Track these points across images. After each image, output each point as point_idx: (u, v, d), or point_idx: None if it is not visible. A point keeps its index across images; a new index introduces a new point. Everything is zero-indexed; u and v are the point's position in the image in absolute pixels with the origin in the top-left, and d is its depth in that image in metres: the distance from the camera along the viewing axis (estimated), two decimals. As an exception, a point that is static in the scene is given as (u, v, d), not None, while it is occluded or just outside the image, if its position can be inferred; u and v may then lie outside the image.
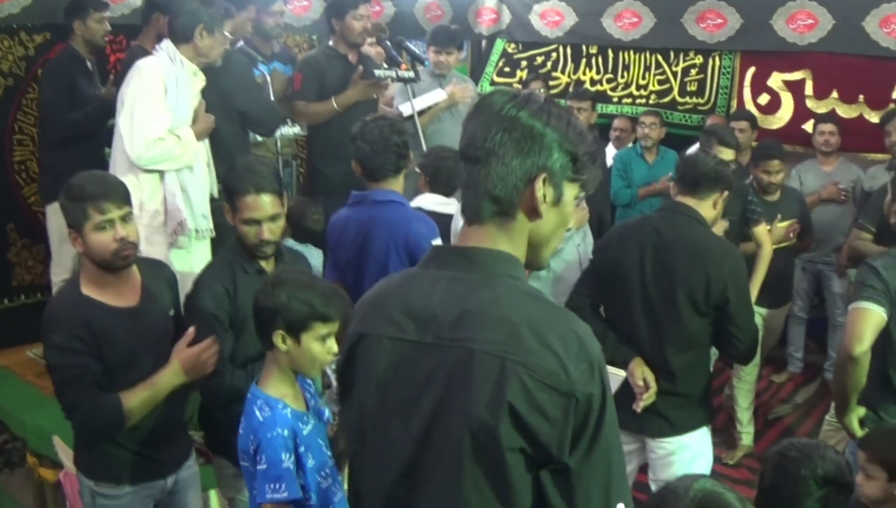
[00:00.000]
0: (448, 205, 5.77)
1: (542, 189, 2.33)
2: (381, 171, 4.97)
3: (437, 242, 4.81)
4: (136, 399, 3.92)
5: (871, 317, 4.38)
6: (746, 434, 7.24)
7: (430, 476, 2.34)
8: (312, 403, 3.79)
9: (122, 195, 3.98)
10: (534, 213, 2.36)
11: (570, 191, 2.42)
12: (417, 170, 6.07)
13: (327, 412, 3.85)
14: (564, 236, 5.41)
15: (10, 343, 7.22)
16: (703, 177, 4.74)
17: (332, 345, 3.58)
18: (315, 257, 6.22)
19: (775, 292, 7.07)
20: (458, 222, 5.21)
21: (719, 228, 5.80)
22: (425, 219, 5.02)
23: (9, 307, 7.60)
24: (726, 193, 4.84)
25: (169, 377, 4.01)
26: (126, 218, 3.94)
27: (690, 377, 4.73)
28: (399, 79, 7.26)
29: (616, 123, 9.86)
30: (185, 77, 5.79)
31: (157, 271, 4.37)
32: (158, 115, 5.62)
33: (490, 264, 2.36)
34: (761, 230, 6.67)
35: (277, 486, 3.43)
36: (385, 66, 7.49)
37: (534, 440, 2.19)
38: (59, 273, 7.22)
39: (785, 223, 7.01)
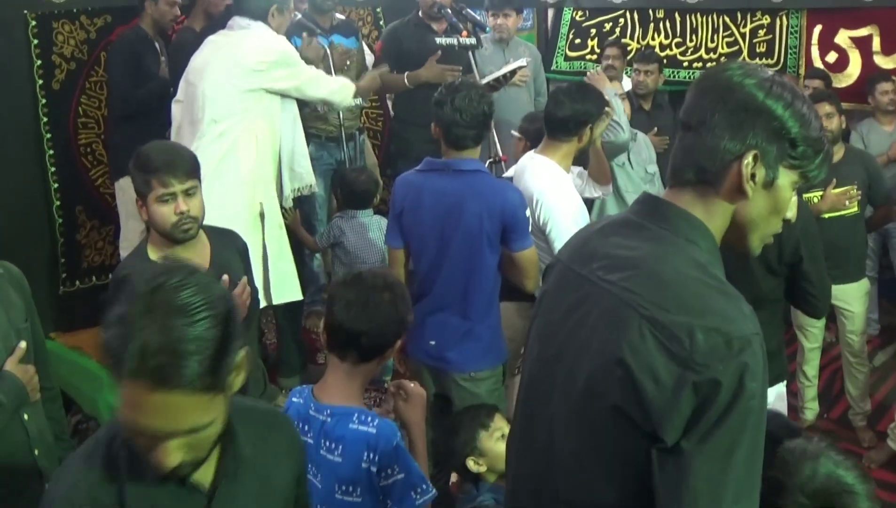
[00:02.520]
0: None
1: (750, 167, 2.22)
2: (464, 140, 4.85)
3: (528, 212, 4.79)
4: None
5: None
6: (810, 410, 6.89)
7: (549, 404, 2.36)
8: None
9: (187, 169, 4.01)
10: (738, 191, 2.25)
11: (787, 177, 2.28)
12: (516, 134, 6.17)
13: None
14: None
15: (82, 324, 7.27)
16: None
17: None
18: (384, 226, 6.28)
19: (842, 265, 6.46)
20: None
21: None
22: (515, 188, 4.95)
23: (80, 289, 7.67)
24: None
25: None
26: (190, 192, 3.98)
27: (766, 334, 4.61)
28: (461, 46, 7.26)
29: None
30: None
31: (228, 241, 4.41)
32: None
33: (676, 222, 2.28)
34: None
35: (424, 487, 3.33)
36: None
37: (637, 399, 2.07)
38: (126, 247, 7.25)
39: (839, 190, 6.38)
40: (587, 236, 2.50)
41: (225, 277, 3.97)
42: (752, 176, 2.22)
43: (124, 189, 7.20)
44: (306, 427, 3.37)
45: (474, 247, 4.80)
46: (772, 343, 4.70)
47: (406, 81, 7.32)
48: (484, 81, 7.32)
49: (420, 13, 7.66)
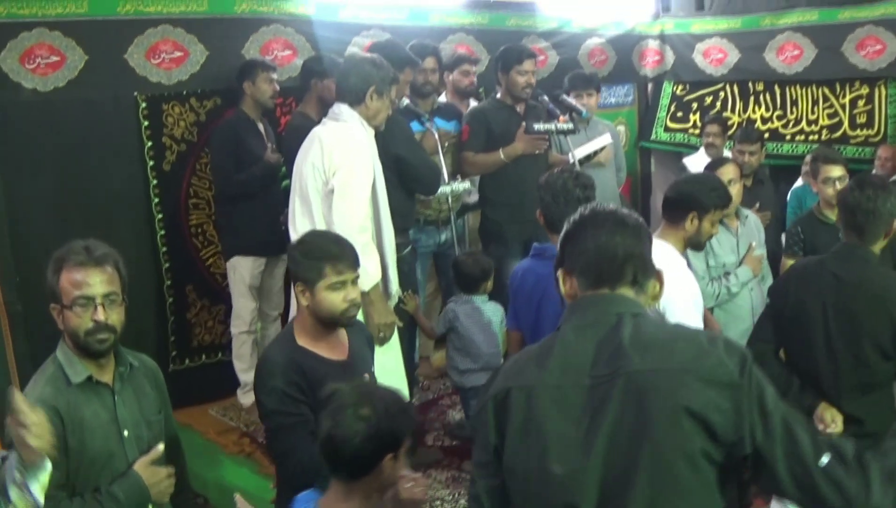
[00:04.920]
0: None
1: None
2: (562, 222, 4.84)
3: None
4: None
5: None
6: None
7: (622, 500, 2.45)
8: None
9: (354, 259, 4.18)
10: (656, 299, 2.81)
11: None
12: None
13: None
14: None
15: (192, 402, 7.36)
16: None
17: None
18: (497, 312, 6.42)
19: None
20: None
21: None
22: None
23: (190, 367, 7.75)
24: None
25: None
26: (355, 281, 4.15)
27: (878, 416, 4.60)
28: (558, 132, 7.35)
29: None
30: (373, 144, 5.80)
31: (359, 331, 4.53)
32: (366, 200, 5.62)
33: (621, 305, 2.66)
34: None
35: None
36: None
37: (713, 435, 2.39)
38: (238, 325, 7.48)
39: None
40: (537, 354, 2.72)
41: (366, 376, 4.22)
42: None
43: (236, 268, 7.40)
44: None
45: None
46: (889, 424, 4.69)
47: (502, 155, 7.34)
48: (575, 159, 7.40)
49: (499, 95, 7.73)
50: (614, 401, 2.45)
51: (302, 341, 4.15)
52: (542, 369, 2.62)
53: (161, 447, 3.79)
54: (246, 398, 7.55)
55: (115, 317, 3.65)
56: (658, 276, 2.78)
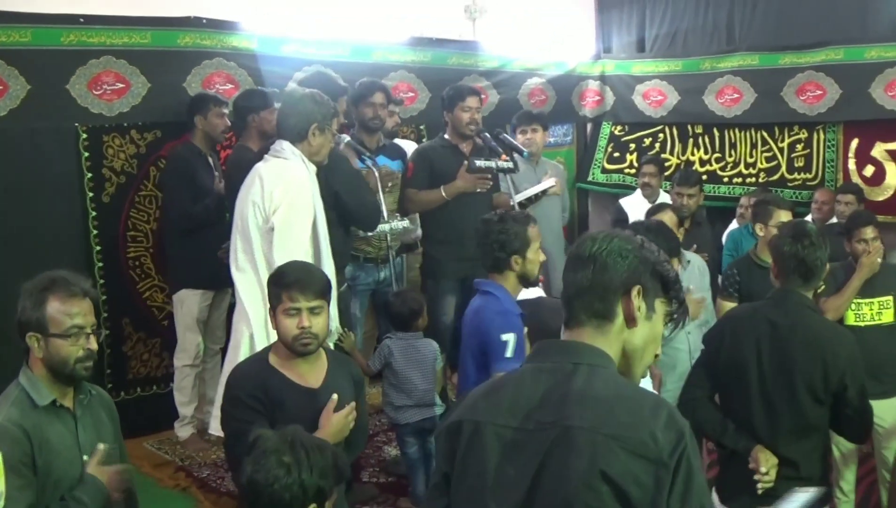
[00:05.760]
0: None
1: (637, 299, 2.62)
2: (484, 262, 5.12)
3: (507, 336, 4.85)
4: None
5: None
6: None
7: None
8: None
9: (317, 289, 4.26)
10: (631, 320, 2.62)
11: (661, 309, 2.70)
12: None
13: None
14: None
15: (126, 435, 7.16)
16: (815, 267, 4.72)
17: None
18: (432, 348, 6.48)
19: (878, 377, 6.12)
20: None
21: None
22: (505, 313, 4.97)
23: (125, 400, 7.64)
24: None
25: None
26: (315, 311, 4.22)
27: (811, 461, 4.64)
28: (499, 169, 7.33)
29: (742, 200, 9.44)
30: (314, 181, 5.81)
31: (345, 367, 4.60)
32: (306, 238, 5.68)
33: (585, 355, 2.60)
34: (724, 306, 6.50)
35: None
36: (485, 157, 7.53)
37: (628, 505, 2.36)
38: (182, 358, 7.47)
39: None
40: (495, 392, 2.71)
41: (334, 396, 4.21)
42: (639, 308, 2.64)
43: (183, 301, 7.40)
44: None
45: (465, 361, 5.08)
46: (821, 469, 4.76)
47: (444, 193, 7.32)
48: (517, 200, 7.43)
49: (446, 135, 7.70)
50: (546, 450, 2.48)
51: (274, 361, 4.27)
52: (493, 405, 2.65)
53: (102, 446, 3.85)
54: (183, 431, 7.55)
55: (96, 345, 3.81)
56: (627, 292, 2.61)
